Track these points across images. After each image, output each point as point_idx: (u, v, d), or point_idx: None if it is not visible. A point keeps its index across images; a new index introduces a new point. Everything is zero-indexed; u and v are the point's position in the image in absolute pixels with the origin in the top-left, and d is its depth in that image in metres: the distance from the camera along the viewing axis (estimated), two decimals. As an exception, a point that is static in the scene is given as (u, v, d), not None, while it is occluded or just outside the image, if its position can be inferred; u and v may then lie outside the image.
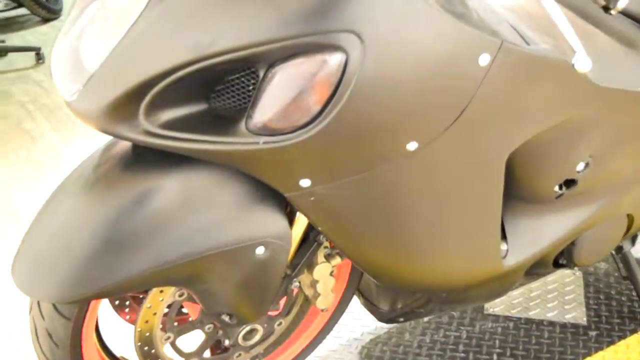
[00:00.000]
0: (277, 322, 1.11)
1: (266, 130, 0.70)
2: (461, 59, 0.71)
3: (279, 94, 0.68)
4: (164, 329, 0.98)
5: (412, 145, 0.74)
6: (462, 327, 1.37)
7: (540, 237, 1.01)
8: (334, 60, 0.66)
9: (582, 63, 0.73)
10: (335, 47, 0.65)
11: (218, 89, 0.72)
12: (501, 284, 1.06)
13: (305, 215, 0.80)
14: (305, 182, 0.75)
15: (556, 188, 0.95)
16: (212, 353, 1.08)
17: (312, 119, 0.69)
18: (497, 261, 0.96)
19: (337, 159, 0.74)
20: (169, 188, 0.77)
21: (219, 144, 0.72)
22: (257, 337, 1.03)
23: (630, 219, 1.11)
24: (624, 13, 0.93)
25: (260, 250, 0.83)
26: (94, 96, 0.70)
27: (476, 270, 0.96)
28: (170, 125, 0.72)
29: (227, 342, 1.01)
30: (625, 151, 0.96)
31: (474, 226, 0.89)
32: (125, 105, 0.70)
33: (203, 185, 0.78)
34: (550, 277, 1.47)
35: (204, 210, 0.78)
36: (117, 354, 1.05)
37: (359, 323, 1.38)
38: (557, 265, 1.11)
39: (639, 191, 1.07)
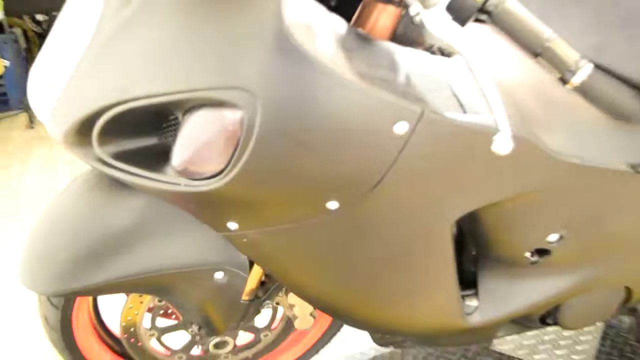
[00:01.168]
0: (263, 334, 1.14)
1: (185, 174, 0.71)
2: (373, 127, 0.68)
3: (189, 141, 0.69)
4: (148, 326, 1.05)
5: (332, 205, 0.73)
6: (463, 359, 1.32)
7: (513, 300, 0.97)
8: (230, 115, 0.66)
9: (502, 144, 0.66)
10: (230, 103, 0.65)
11: (164, 127, 0.74)
12: (472, 336, 1.02)
13: (243, 253, 0.81)
14: (232, 225, 0.77)
15: (528, 255, 0.88)
16: (202, 352, 1.13)
17: (224, 168, 0.69)
18: (459, 317, 0.95)
19: (257, 208, 0.74)
20: (141, 207, 0.82)
21: (153, 182, 0.73)
22: (228, 348, 1.07)
23: (628, 291, 1.04)
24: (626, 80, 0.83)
25: (219, 275, 0.87)
26: (56, 124, 0.74)
27: (437, 322, 0.95)
28: (120, 156, 0.73)
29: (200, 348, 1.05)
30: (606, 226, 0.90)
31: (422, 283, 0.88)
32: (79, 134, 0.73)
33: (172, 209, 0.82)
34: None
35: (171, 232, 0.84)
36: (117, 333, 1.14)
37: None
38: (544, 322, 1.04)
39: (637, 264, 1.00)
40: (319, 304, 0.93)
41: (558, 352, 1.34)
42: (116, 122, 0.70)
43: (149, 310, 1.05)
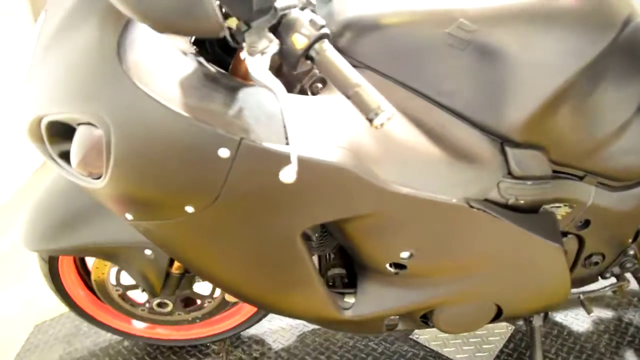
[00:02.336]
0: (207, 300, 1.39)
1: (85, 174, 0.90)
2: (201, 151, 0.81)
3: (75, 149, 0.86)
4: (114, 283, 1.33)
5: (189, 209, 0.90)
6: (383, 342, 1.51)
7: (383, 302, 1.13)
8: (95, 132, 0.82)
9: (287, 174, 0.76)
10: (94, 124, 0.83)
11: None
12: (355, 326, 1.21)
13: (147, 239, 1.02)
14: (128, 216, 0.92)
15: (388, 267, 1.05)
16: (148, 309, 1.40)
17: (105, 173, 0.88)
18: (335, 310, 1.11)
19: (137, 206, 0.92)
20: None
21: (76, 178, 0.93)
22: (169, 309, 1.33)
23: (499, 308, 1.17)
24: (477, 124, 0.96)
25: (148, 252, 1.12)
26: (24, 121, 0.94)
27: (315, 312, 1.13)
28: (64, 155, 0.89)
29: (146, 306, 1.32)
30: (452, 250, 1.03)
31: (288, 280, 1.05)
32: (33, 134, 0.89)
33: None
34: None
35: (112, 214, 1.01)
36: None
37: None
38: (426, 323, 1.20)
39: (505, 286, 1.14)
40: (214, 284, 1.15)
41: (466, 347, 1.49)
42: (56, 127, 0.89)
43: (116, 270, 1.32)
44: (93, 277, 1.33)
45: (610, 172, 1.13)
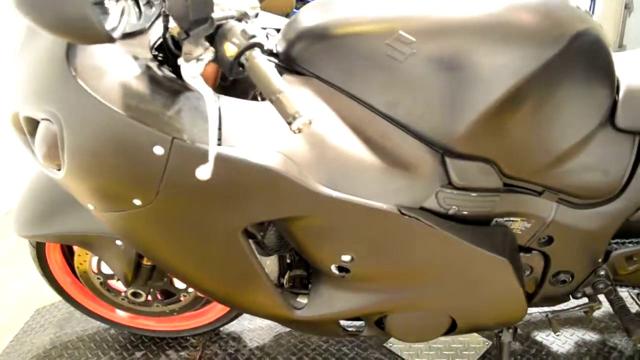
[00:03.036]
0: (183, 294, 1.44)
1: (49, 166, 0.97)
2: (138, 148, 0.85)
3: (36, 143, 0.93)
4: (95, 272, 1.39)
5: (137, 202, 0.94)
6: (356, 348, 1.52)
7: (333, 304, 1.14)
8: (51, 128, 0.88)
9: (202, 171, 0.79)
10: (51, 120, 0.89)
11: None
12: (312, 328, 1.24)
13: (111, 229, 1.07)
14: (90, 207, 0.98)
15: (334, 269, 1.07)
16: (122, 298, 1.46)
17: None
18: (287, 310, 1.13)
19: (95, 197, 0.96)
20: None
21: (46, 170, 1.00)
22: (142, 299, 1.38)
23: (454, 321, 1.17)
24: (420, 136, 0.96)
25: (118, 242, 1.18)
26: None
27: (268, 310, 1.16)
28: None
29: (123, 295, 1.38)
30: (392, 257, 1.03)
31: (236, 277, 1.08)
32: (15, 126, 1.00)
33: None
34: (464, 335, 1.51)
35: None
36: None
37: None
38: (381, 328, 1.21)
39: (456, 298, 1.12)
40: (173, 276, 1.19)
41: None
42: (32, 121, 0.95)
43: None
44: (76, 264, 1.39)
45: (570, 188, 1.10)
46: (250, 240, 1.12)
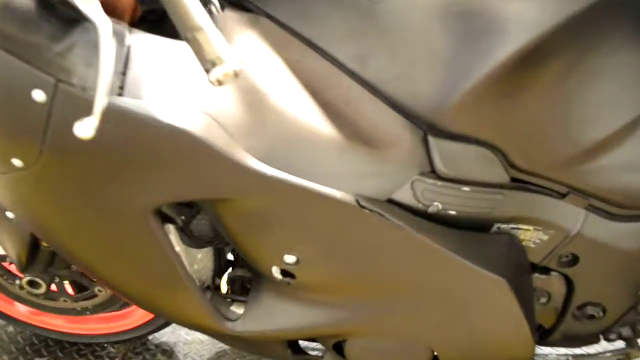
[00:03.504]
0: (98, 289, 1.42)
1: None
2: (14, 92, 0.81)
3: None
4: None
5: (17, 163, 0.89)
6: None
7: (274, 318, 1.09)
8: None
9: (83, 127, 0.75)
10: None
11: None
12: (250, 347, 1.19)
13: None
14: None
15: (276, 273, 1.04)
16: (19, 287, 1.43)
17: None
18: (213, 320, 1.09)
19: None
20: None
21: None
22: (42, 290, 1.36)
23: (434, 355, 1.11)
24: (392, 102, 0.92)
25: (10, 215, 1.15)
26: None
27: (190, 319, 1.12)
28: None
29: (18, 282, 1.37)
30: (350, 262, 0.97)
31: (143, 267, 1.03)
32: None
33: None
34: None
35: None
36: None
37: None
38: (340, 353, 1.18)
39: (436, 324, 1.07)
40: (69, 260, 1.16)
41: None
42: None
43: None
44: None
45: (605, 193, 1.04)
46: (171, 226, 1.08)
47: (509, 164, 0.98)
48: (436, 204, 0.96)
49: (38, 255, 1.24)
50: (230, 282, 1.21)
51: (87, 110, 0.80)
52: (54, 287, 1.41)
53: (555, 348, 1.25)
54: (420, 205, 0.96)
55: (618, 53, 0.93)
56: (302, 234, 0.96)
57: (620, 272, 1.13)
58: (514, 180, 1.00)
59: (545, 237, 1.06)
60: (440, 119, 0.92)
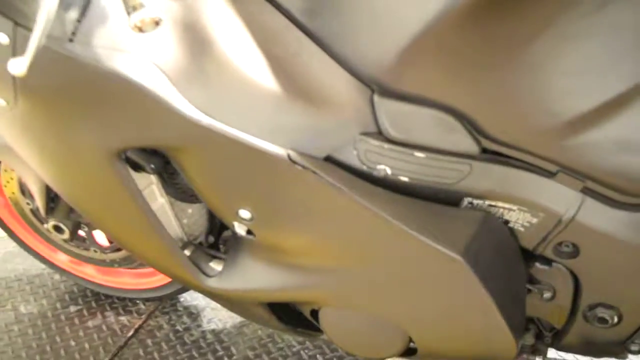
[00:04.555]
0: None
1: None
2: None
3: None
4: (23, 197, 1.61)
5: (2, 102, 1.01)
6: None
7: (246, 277, 1.17)
8: None
9: (16, 64, 0.82)
10: None
11: None
12: (233, 306, 1.31)
13: None
14: None
15: (239, 230, 1.15)
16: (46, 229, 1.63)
17: None
18: (189, 274, 1.20)
19: None
20: None
21: None
22: (65, 235, 1.56)
23: (409, 338, 1.13)
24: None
25: None
26: None
27: (170, 270, 1.25)
28: None
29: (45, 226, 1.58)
30: (291, 220, 1.03)
31: (114, 212, 1.14)
32: None
33: None
34: None
35: None
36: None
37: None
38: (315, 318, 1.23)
39: (408, 307, 1.10)
40: (64, 199, 1.32)
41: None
42: None
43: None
44: (7, 194, 1.60)
45: (600, 173, 0.99)
46: (153, 177, 1.19)
47: (479, 132, 0.99)
48: (382, 167, 0.99)
49: (59, 199, 1.41)
50: (223, 241, 1.31)
51: (41, 54, 0.91)
52: (83, 234, 1.59)
53: (573, 355, 1.22)
54: (365, 167, 0.99)
55: (606, 11, 0.88)
56: (245, 188, 1.03)
57: (632, 271, 1.09)
58: (487, 151, 1.01)
59: (534, 220, 1.05)
60: (386, 77, 0.95)
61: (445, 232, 1.01)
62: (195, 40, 0.96)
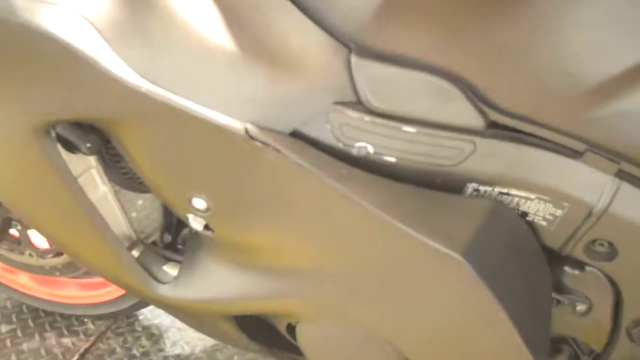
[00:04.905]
0: None
1: None
2: None
3: None
4: None
5: None
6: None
7: (207, 283, 1.22)
8: None
9: None
10: None
11: None
12: (194, 320, 1.37)
13: None
14: None
15: (195, 224, 1.18)
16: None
17: None
18: (136, 279, 1.26)
19: None
20: None
21: None
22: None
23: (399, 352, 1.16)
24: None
25: None
26: None
27: (113, 274, 1.31)
28: None
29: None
30: (253, 209, 1.07)
31: (42, 202, 1.20)
32: None
33: None
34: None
35: None
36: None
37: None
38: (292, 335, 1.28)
39: (400, 319, 1.13)
40: None
41: None
42: None
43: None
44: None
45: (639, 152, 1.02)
46: (92, 159, 1.26)
47: (484, 102, 1.02)
48: (362, 144, 1.04)
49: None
50: (183, 240, 1.37)
51: None
52: (16, 234, 1.66)
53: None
54: (340, 145, 1.04)
55: None
56: (197, 171, 1.09)
57: None
58: (495, 125, 1.04)
59: (558, 212, 1.08)
60: (366, 31, 0.99)
61: (442, 225, 1.04)
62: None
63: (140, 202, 1.34)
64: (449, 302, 1.07)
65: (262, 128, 1.02)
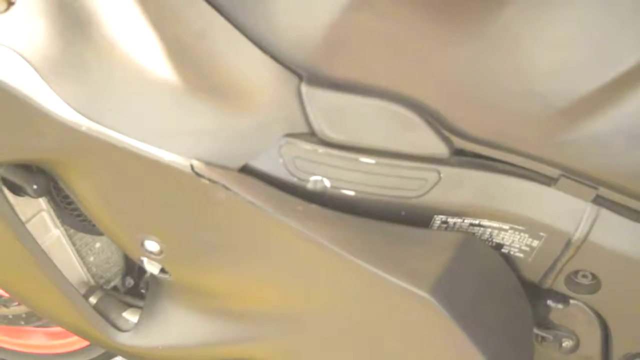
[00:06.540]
0: None
1: None
2: None
3: None
4: None
5: None
6: None
7: (167, 332, 1.21)
8: None
9: None
10: None
11: None
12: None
13: None
14: None
15: (150, 267, 1.20)
16: None
17: None
18: (92, 327, 1.26)
19: None
20: None
21: None
22: None
23: None
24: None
25: None
26: None
27: (74, 325, 1.33)
28: None
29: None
30: (208, 250, 1.07)
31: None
32: None
33: None
34: None
35: None
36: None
37: None
38: None
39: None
40: None
41: None
42: None
43: None
44: None
45: (616, 177, 1.01)
46: (42, 200, 1.26)
47: (447, 128, 1.01)
48: (318, 177, 1.03)
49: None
50: (146, 284, 1.36)
51: None
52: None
53: None
54: (295, 179, 1.03)
55: None
56: (146, 210, 1.09)
57: None
58: (461, 152, 1.04)
59: (535, 243, 1.07)
60: (316, 59, 0.99)
61: (408, 261, 1.04)
62: (69, 20, 1.01)
63: (98, 244, 1.33)
64: (419, 342, 1.07)
65: (210, 164, 1.02)
